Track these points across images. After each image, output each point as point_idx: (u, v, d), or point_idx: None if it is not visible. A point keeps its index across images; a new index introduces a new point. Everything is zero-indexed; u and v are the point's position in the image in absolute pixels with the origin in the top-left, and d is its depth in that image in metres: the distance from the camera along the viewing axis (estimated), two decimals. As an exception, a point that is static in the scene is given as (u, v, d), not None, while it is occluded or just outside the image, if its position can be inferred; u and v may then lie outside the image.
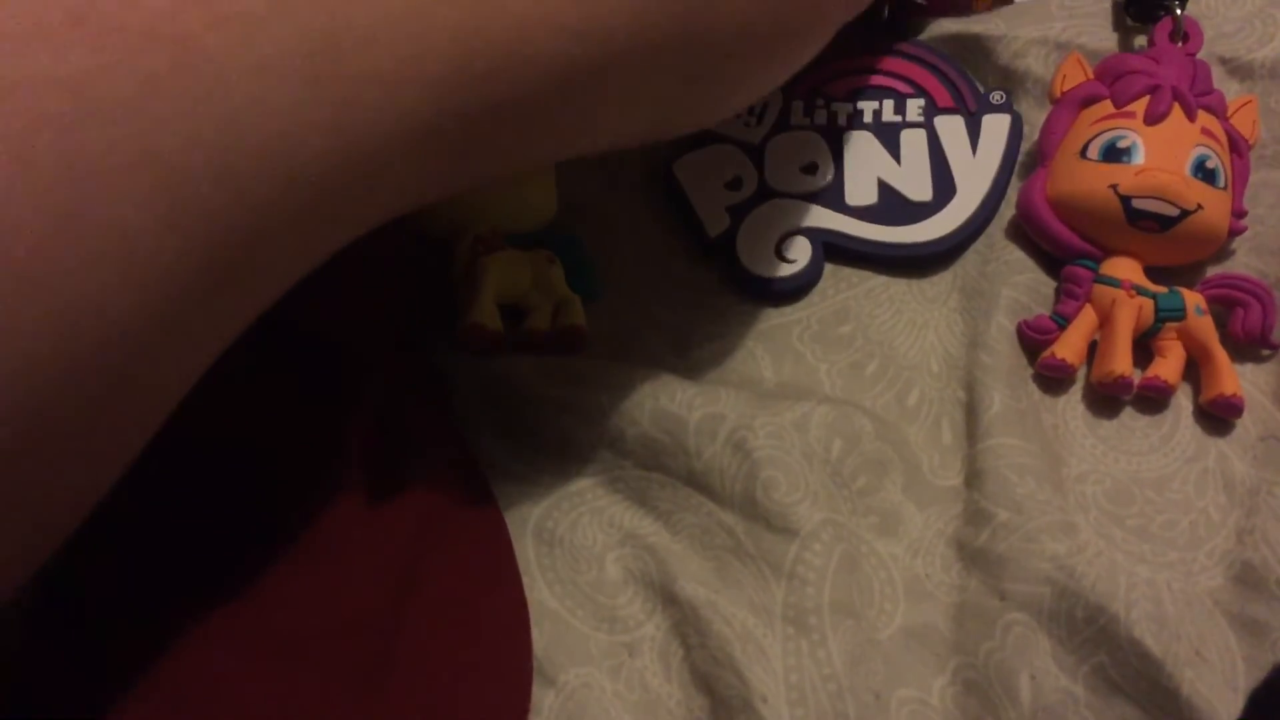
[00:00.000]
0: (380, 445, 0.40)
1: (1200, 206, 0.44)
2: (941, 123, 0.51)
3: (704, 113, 0.38)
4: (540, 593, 0.41)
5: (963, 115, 0.50)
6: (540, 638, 0.40)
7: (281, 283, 0.28)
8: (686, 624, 0.40)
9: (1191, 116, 0.45)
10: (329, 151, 0.25)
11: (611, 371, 0.45)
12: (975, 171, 0.49)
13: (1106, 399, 0.45)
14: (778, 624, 0.40)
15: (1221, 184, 0.45)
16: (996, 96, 0.51)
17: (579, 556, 0.42)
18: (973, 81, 0.52)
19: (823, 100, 0.51)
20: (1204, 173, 0.45)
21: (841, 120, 0.51)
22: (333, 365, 0.40)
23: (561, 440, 0.45)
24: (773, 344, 0.47)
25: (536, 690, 0.39)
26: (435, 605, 0.38)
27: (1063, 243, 0.46)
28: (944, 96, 0.51)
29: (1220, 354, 0.45)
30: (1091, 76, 0.48)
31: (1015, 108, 0.51)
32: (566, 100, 0.30)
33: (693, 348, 0.47)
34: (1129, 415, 0.45)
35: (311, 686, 0.34)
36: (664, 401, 0.43)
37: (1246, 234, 0.47)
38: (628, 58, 0.30)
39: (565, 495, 0.44)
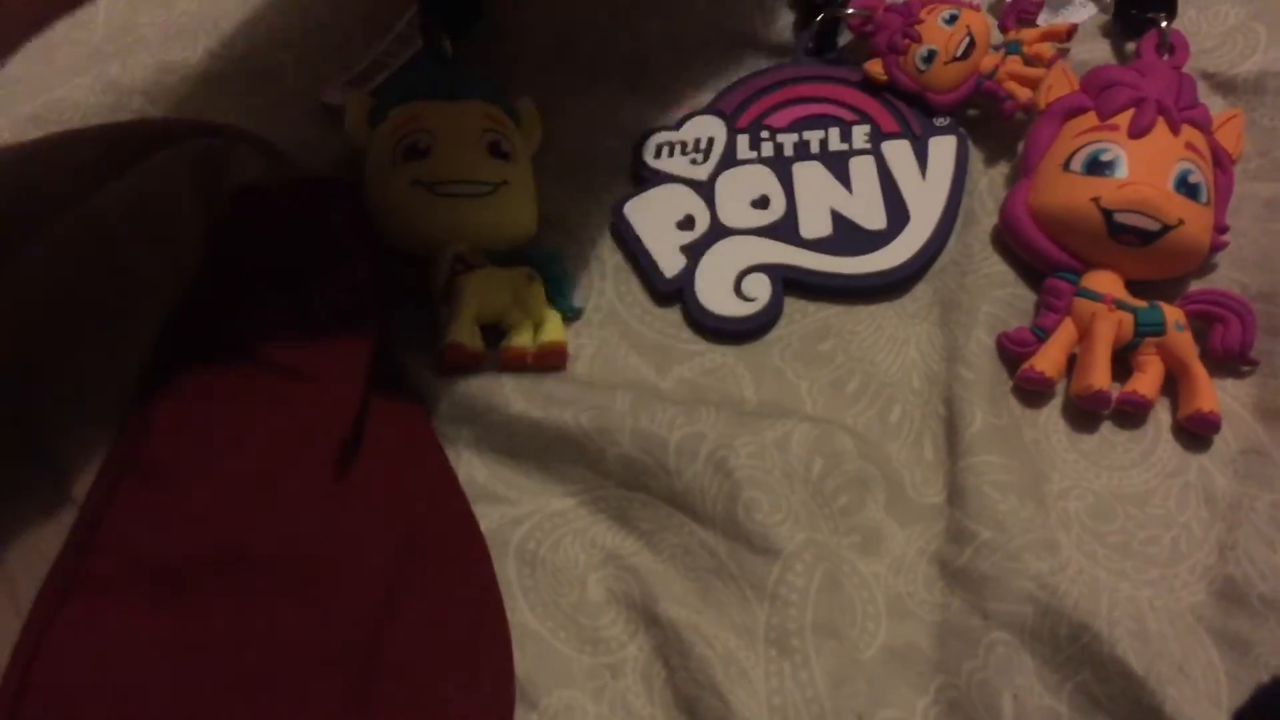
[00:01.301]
0: (360, 468, 0.40)
1: (1182, 221, 0.44)
2: (889, 148, 0.50)
3: None
4: (522, 615, 0.41)
5: (909, 139, 0.50)
6: (523, 660, 0.40)
7: None
8: (669, 646, 0.40)
9: (1175, 130, 0.45)
10: None
11: (592, 391, 0.44)
12: (927, 196, 0.49)
13: (1087, 413, 0.45)
14: (760, 646, 0.40)
15: (1204, 199, 0.45)
16: (940, 119, 0.51)
17: (561, 578, 0.42)
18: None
19: (767, 132, 0.51)
20: (1187, 187, 0.45)
21: (788, 151, 0.51)
22: (306, 393, 0.40)
23: (543, 460, 0.44)
24: (753, 361, 0.47)
25: (519, 714, 0.39)
26: (416, 630, 0.38)
27: (1044, 255, 0.46)
28: (888, 121, 0.51)
29: (1199, 370, 0.45)
30: (1077, 87, 0.48)
31: (960, 128, 0.51)
32: None
33: (674, 365, 0.47)
34: (1109, 430, 0.45)
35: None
36: (644, 422, 0.43)
37: (1229, 247, 0.47)
38: None
39: (547, 516, 0.44)
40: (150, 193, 0.40)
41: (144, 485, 0.35)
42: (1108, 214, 0.44)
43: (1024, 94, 0.48)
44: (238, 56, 0.53)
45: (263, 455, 0.36)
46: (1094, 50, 0.51)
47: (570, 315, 0.48)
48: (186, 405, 0.37)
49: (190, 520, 0.35)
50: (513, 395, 0.45)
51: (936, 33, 0.49)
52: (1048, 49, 0.49)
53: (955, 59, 0.48)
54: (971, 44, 0.48)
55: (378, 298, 0.44)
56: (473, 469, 0.45)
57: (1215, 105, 0.51)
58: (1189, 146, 0.45)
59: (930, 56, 0.48)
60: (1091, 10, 0.54)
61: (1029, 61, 0.49)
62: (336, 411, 0.38)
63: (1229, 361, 0.46)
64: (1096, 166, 0.45)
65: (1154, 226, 0.44)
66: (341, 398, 0.39)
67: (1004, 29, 0.50)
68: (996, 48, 0.50)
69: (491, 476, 0.45)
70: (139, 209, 0.40)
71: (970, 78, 0.49)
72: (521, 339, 0.46)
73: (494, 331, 0.47)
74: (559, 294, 0.47)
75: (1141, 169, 0.45)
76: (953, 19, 0.49)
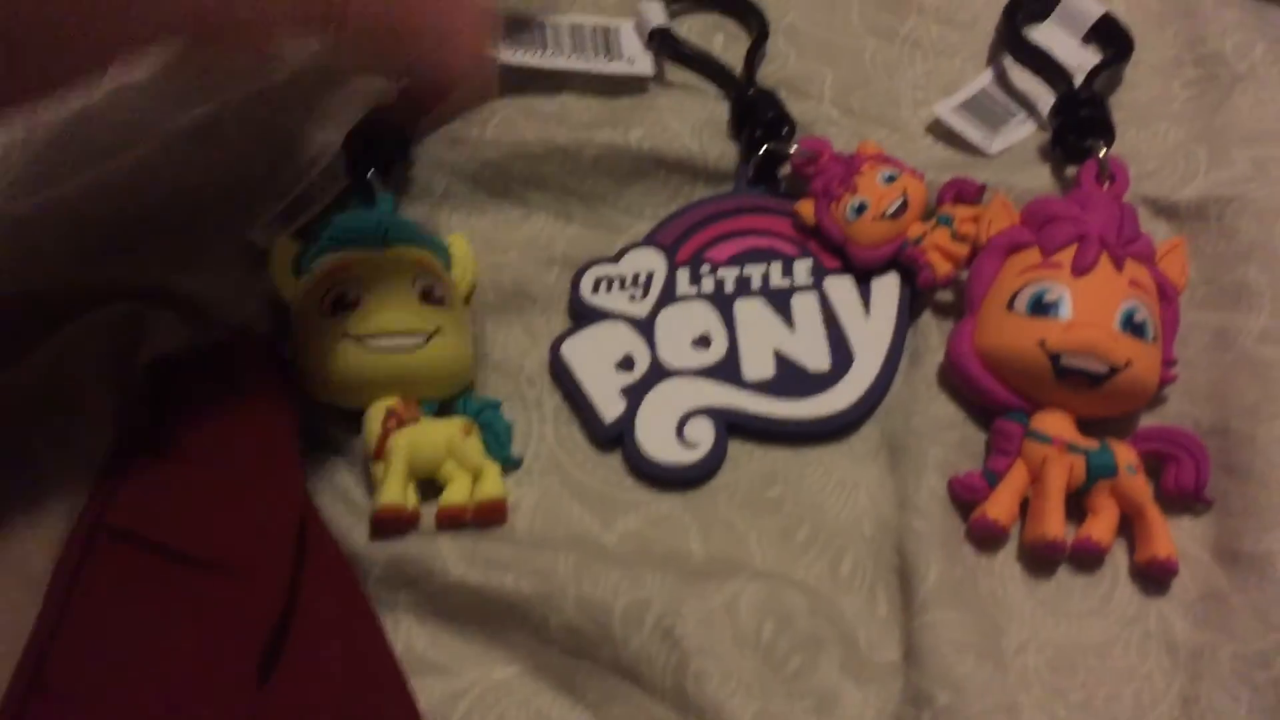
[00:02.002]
0: (286, 662, 0.38)
1: (1130, 363, 0.43)
2: (831, 284, 0.49)
3: None
4: (465, 798, 0.39)
5: (852, 275, 0.49)
6: None
7: None
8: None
9: (1119, 267, 0.45)
10: None
11: (533, 553, 0.43)
12: (871, 335, 0.48)
13: (1043, 558, 0.44)
14: (714, 827, 0.38)
15: (1150, 336, 0.44)
16: None
17: (505, 757, 0.40)
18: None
19: (708, 266, 0.50)
20: (1133, 326, 0.44)
21: (730, 287, 0.49)
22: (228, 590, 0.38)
23: (485, 626, 0.43)
24: (700, 511, 0.46)
25: None
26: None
27: (992, 396, 0.45)
28: (830, 256, 0.50)
29: (1153, 513, 0.44)
30: (1018, 221, 0.47)
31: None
32: None
33: (618, 516, 0.46)
34: (1066, 574, 0.44)
35: None
36: (587, 588, 0.42)
37: (1179, 380, 0.46)
38: None
39: (490, 688, 0.42)
40: (58, 376, 0.38)
41: (47, 708, 0.33)
42: (1054, 357, 0.43)
43: (944, 268, 0.47)
44: (162, 197, 0.51)
45: (179, 670, 0.34)
46: (1035, 177, 0.51)
47: (510, 465, 0.46)
48: (95, 614, 0.35)
49: None
50: (450, 558, 0.43)
51: (873, 188, 0.48)
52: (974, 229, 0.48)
53: (885, 216, 0.47)
54: (904, 206, 0.48)
55: (298, 463, 0.42)
56: (412, 636, 0.43)
57: (1158, 231, 0.50)
58: (1133, 283, 0.45)
59: (861, 209, 0.48)
60: (1031, 128, 0.54)
61: (957, 238, 0.48)
62: (260, 611, 0.36)
63: (1184, 500, 0.45)
64: (1041, 307, 0.44)
65: (1102, 369, 0.43)
66: (266, 593, 0.37)
67: (940, 202, 0.49)
68: (929, 217, 0.49)
69: (432, 644, 0.43)
70: (42, 397, 0.38)
71: (896, 239, 0.48)
72: (458, 496, 0.44)
73: (432, 484, 0.45)
74: (497, 444, 0.46)
75: (1086, 309, 0.44)
76: (892, 179, 0.48)
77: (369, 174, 0.49)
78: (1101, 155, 0.49)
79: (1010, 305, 0.45)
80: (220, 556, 0.37)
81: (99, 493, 0.38)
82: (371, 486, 0.45)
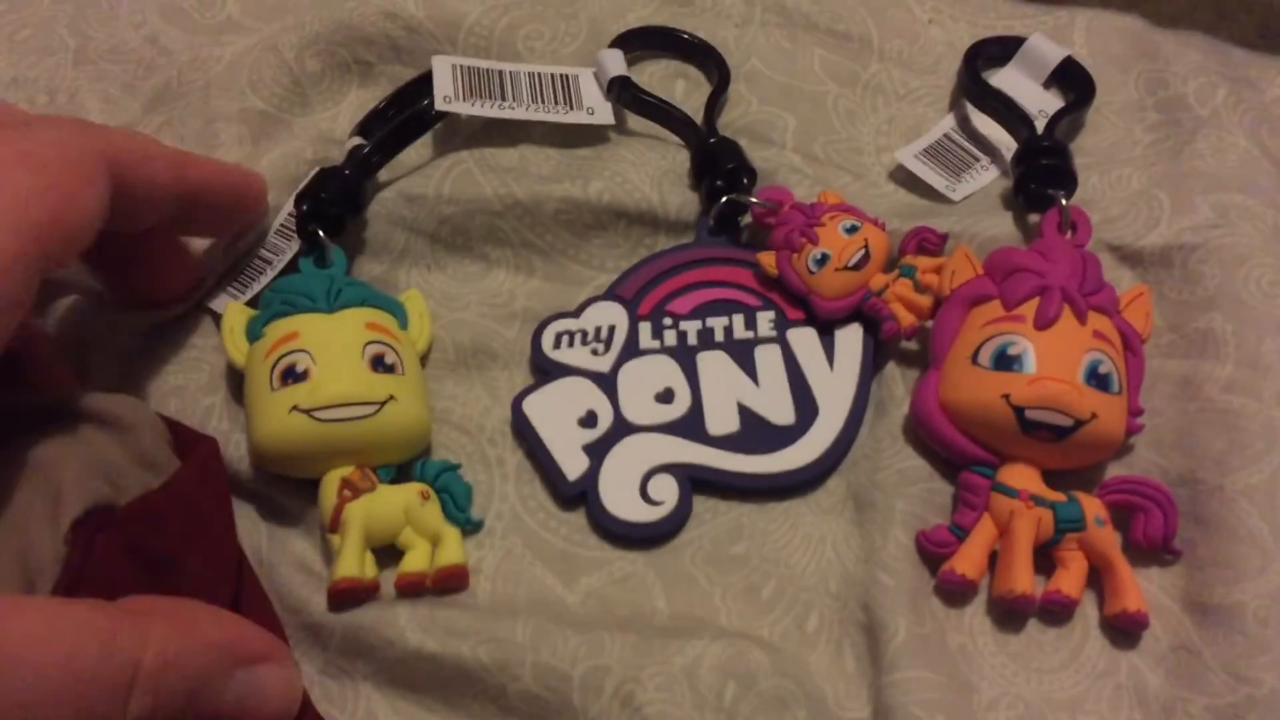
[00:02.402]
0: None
1: (1095, 415, 0.43)
2: (794, 335, 0.49)
3: None
4: None
5: (815, 326, 0.49)
6: None
7: None
8: None
9: (1082, 319, 0.44)
10: None
11: (491, 620, 0.42)
12: (835, 388, 0.47)
13: (1012, 612, 0.43)
14: None
15: (1115, 389, 0.44)
16: None
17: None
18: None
19: (670, 319, 0.49)
20: (1097, 379, 0.43)
21: (692, 340, 0.49)
22: None
23: (445, 695, 0.42)
24: (664, 568, 0.45)
25: None
26: None
27: (958, 449, 0.45)
28: (793, 307, 0.49)
29: (1122, 566, 0.43)
30: (980, 272, 0.47)
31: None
32: None
33: (581, 575, 0.45)
34: (1036, 628, 0.44)
35: None
36: (545, 655, 0.41)
37: (1146, 429, 0.46)
38: None
39: (450, 757, 0.41)
40: None
41: None
42: (1019, 410, 0.43)
43: (907, 319, 0.47)
44: None
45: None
46: (999, 224, 0.50)
47: (470, 528, 0.46)
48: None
49: None
50: (409, 626, 0.42)
51: (834, 238, 0.47)
52: (936, 280, 0.47)
53: (846, 268, 0.47)
54: (866, 257, 0.47)
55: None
56: (372, 705, 0.43)
57: (1122, 279, 0.50)
58: (1097, 334, 0.44)
59: (823, 260, 0.47)
60: (994, 174, 0.53)
61: (920, 288, 0.47)
62: None
63: (1153, 551, 0.44)
64: (1004, 360, 0.44)
65: (1066, 423, 0.43)
66: None
67: (902, 252, 0.49)
68: (891, 268, 0.48)
69: (393, 712, 0.42)
70: None
71: (858, 290, 0.47)
72: (418, 563, 0.44)
73: (392, 550, 0.44)
74: (457, 508, 0.45)
75: (1050, 362, 0.43)
76: (853, 229, 0.47)
77: (319, 237, 0.48)
78: (1063, 204, 0.48)
79: (974, 359, 0.45)
80: None
81: None
82: (330, 555, 0.44)
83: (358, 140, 0.52)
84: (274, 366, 0.44)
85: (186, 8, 0.59)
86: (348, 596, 0.43)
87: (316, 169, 0.50)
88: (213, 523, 0.42)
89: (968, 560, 0.43)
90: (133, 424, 0.41)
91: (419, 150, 0.53)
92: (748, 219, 0.51)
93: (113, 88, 0.57)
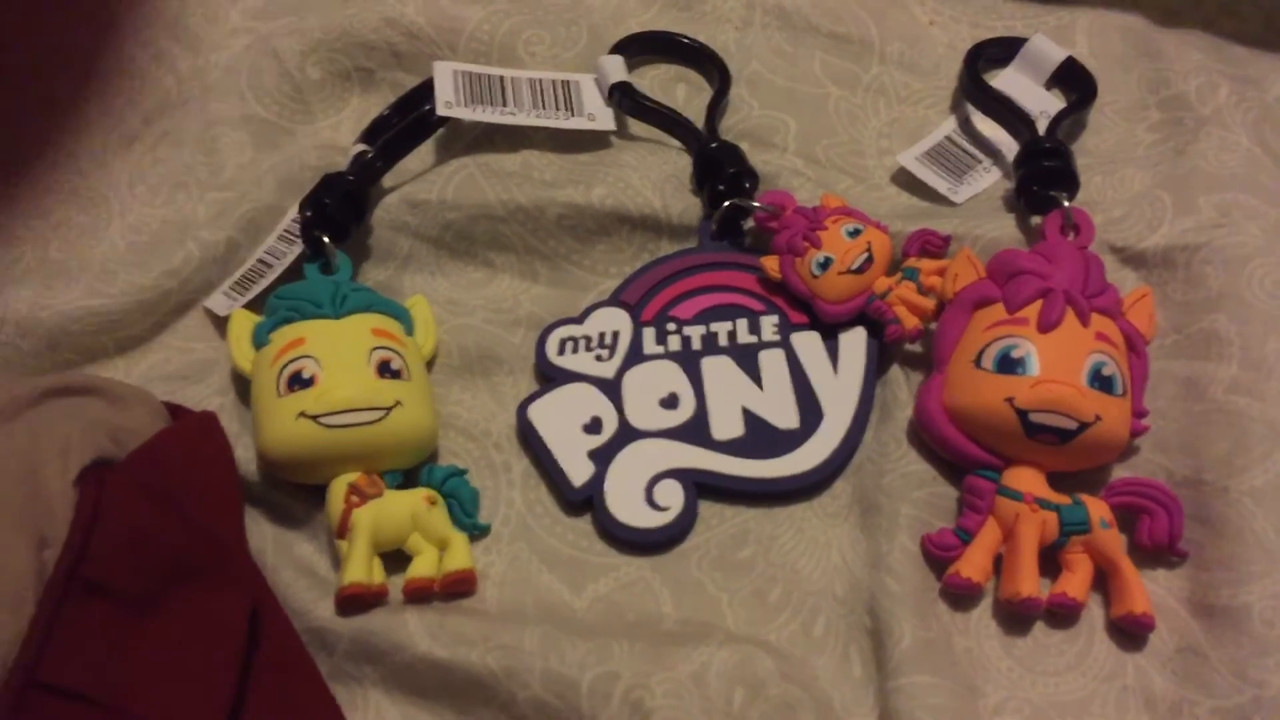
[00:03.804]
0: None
1: (1099, 418, 0.43)
2: (798, 340, 0.49)
3: None
4: None
5: (819, 330, 0.49)
6: None
7: None
8: None
9: (1085, 321, 0.44)
10: None
11: (500, 627, 0.42)
12: (840, 391, 0.47)
13: (1018, 615, 0.44)
14: None
15: (1119, 391, 0.44)
16: None
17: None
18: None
19: (674, 325, 0.49)
20: (1101, 381, 0.43)
21: (696, 344, 0.49)
22: None
23: (453, 702, 0.42)
24: (671, 574, 0.45)
25: None
26: None
27: (962, 453, 0.45)
28: (797, 311, 0.49)
29: (1128, 568, 0.43)
30: (983, 274, 0.47)
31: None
32: None
33: (588, 582, 0.45)
34: (1042, 631, 0.44)
35: None
36: (554, 662, 0.41)
37: (1150, 430, 0.46)
38: None
39: (460, 763, 0.41)
40: None
41: None
42: (1023, 414, 0.43)
43: (911, 321, 0.47)
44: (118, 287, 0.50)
45: None
46: (1001, 226, 0.50)
47: (478, 533, 0.46)
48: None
49: None
50: (417, 633, 0.42)
51: (837, 242, 0.47)
52: (939, 283, 0.48)
53: (850, 271, 0.47)
54: (869, 260, 0.47)
55: (244, 572, 0.41)
56: (382, 710, 0.43)
57: (1126, 280, 0.50)
58: (1100, 336, 0.44)
59: (826, 264, 0.47)
60: (996, 175, 0.53)
61: (923, 291, 0.47)
62: None
63: (1159, 553, 0.44)
64: (1008, 364, 0.44)
65: (1071, 425, 0.43)
66: None
67: (905, 254, 0.49)
68: (894, 270, 0.48)
69: (401, 718, 0.42)
70: None
71: (862, 294, 0.47)
72: (425, 569, 0.44)
73: (399, 555, 0.45)
74: (464, 513, 0.45)
75: (1053, 365, 0.43)
76: (856, 233, 0.47)
77: (324, 243, 0.49)
78: (1066, 206, 0.48)
79: (978, 362, 0.45)
80: (154, 712, 0.36)
81: (30, 641, 0.36)
82: (337, 559, 0.44)
83: (362, 146, 0.52)
84: (281, 373, 0.44)
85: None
86: (356, 601, 0.43)
87: (321, 175, 0.50)
88: (215, 467, 0.43)
89: (973, 564, 0.43)
90: (133, 400, 0.43)
91: (422, 156, 0.54)
92: (750, 223, 0.51)
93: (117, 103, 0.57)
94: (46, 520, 0.37)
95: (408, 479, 0.46)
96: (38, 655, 0.36)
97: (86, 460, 0.39)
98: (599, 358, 0.49)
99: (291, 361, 0.44)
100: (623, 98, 0.54)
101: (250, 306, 0.49)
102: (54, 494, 0.38)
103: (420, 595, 0.44)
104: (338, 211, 0.49)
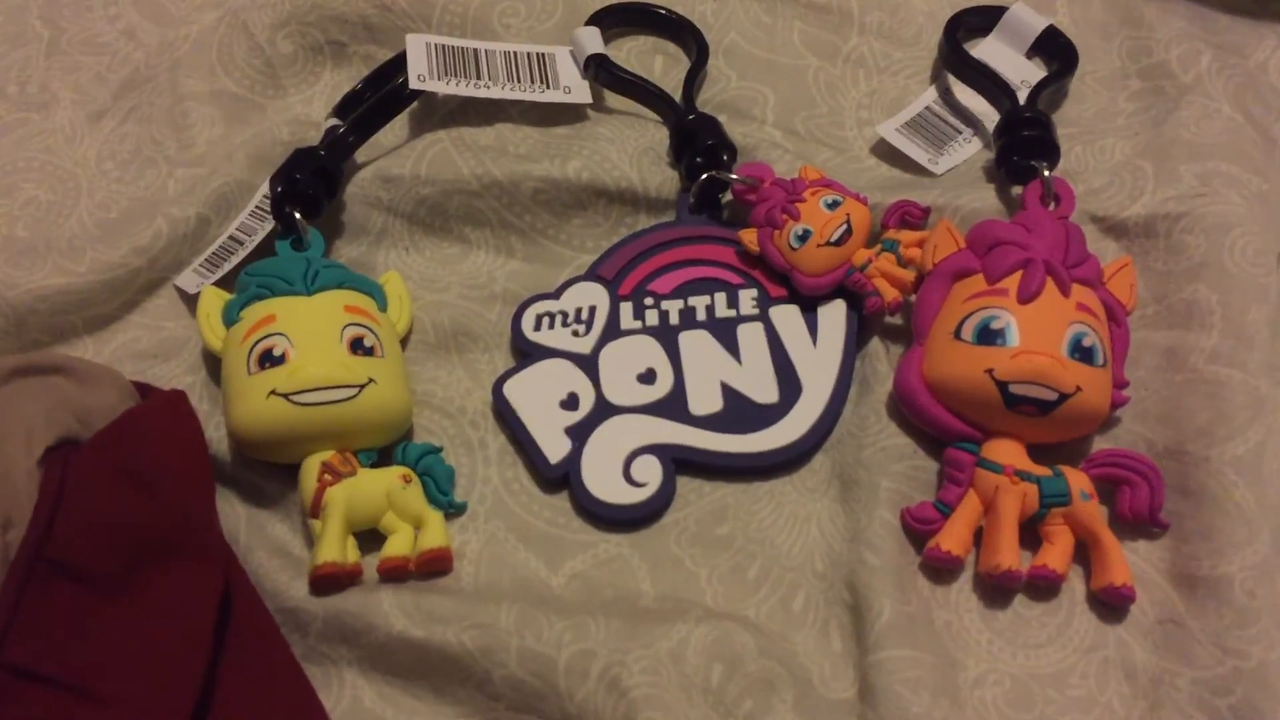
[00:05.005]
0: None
1: (1079, 388, 0.43)
2: (777, 313, 0.48)
3: None
4: None
5: (798, 303, 0.48)
6: None
7: None
8: None
9: (1065, 292, 0.44)
10: None
11: (475, 605, 0.42)
12: (819, 365, 0.47)
13: (999, 588, 0.43)
14: None
15: (1100, 361, 0.43)
16: None
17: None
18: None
19: (651, 299, 0.49)
20: (1081, 351, 0.43)
21: (674, 319, 0.48)
22: None
23: (429, 681, 0.42)
24: (649, 550, 0.45)
25: None
26: None
27: (942, 425, 0.45)
28: (775, 284, 0.49)
29: (1109, 539, 0.43)
30: (962, 245, 0.46)
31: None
32: None
33: (565, 559, 0.45)
34: (1022, 604, 0.44)
35: None
36: (530, 640, 0.41)
37: (1131, 401, 0.46)
38: None
39: (435, 743, 0.41)
40: None
41: None
42: (1003, 385, 0.43)
43: (890, 293, 0.47)
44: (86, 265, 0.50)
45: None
46: (981, 197, 0.50)
47: (454, 511, 0.45)
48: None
49: None
50: (392, 612, 0.42)
51: (816, 214, 0.47)
52: (919, 255, 0.47)
53: (828, 243, 0.46)
54: (848, 232, 0.47)
55: (214, 550, 0.41)
56: (358, 690, 0.42)
57: (1107, 250, 0.49)
58: (1080, 307, 0.44)
59: (805, 236, 0.47)
60: (976, 146, 0.53)
61: (903, 263, 0.47)
62: None
63: (1139, 525, 0.44)
64: (987, 335, 0.43)
65: (1051, 396, 0.42)
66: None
67: (884, 226, 0.48)
68: (873, 242, 0.48)
69: (378, 698, 0.42)
70: None
71: (841, 266, 0.47)
72: (400, 547, 0.43)
73: (374, 534, 0.44)
74: (439, 491, 0.45)
75: (1033, 336, 0.43)
76: (835, 204, 0.47)
77: (295, 220, 0.48)
78: (1046, 176, 0.48)
79: (957, 333, 0.44)
80: (123, 692, 0.36)
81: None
82: (311, 539, 0.44)
83: (334, 121, 0.51)
84: (251, 350, 0.43)
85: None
86: (330, 582, 0.42)
87: (292, 150, 0.50)
88: (185, 446, 0.42)
89: (953, 537, 0.43)
90: (101, 379, 0.43)
91: (396, 131, 0.53)
92: (728, 196, 0.51)
93: (84, 78, 0.56)
94: (10, 501, 0.37)
95: (382, 457, 0.46)
96: (2, 637, 0.35)
97: (51, 440, 0.38)
98: (575, 333, 0.48)
99: (262, 339, 0.44)
100: (599, 70, 0.53)
101: (221, 284, 0.48)
102: (18, 474, 0.37)
103: (395, 574, 0.43)
104: (309, 186, 0.48)
